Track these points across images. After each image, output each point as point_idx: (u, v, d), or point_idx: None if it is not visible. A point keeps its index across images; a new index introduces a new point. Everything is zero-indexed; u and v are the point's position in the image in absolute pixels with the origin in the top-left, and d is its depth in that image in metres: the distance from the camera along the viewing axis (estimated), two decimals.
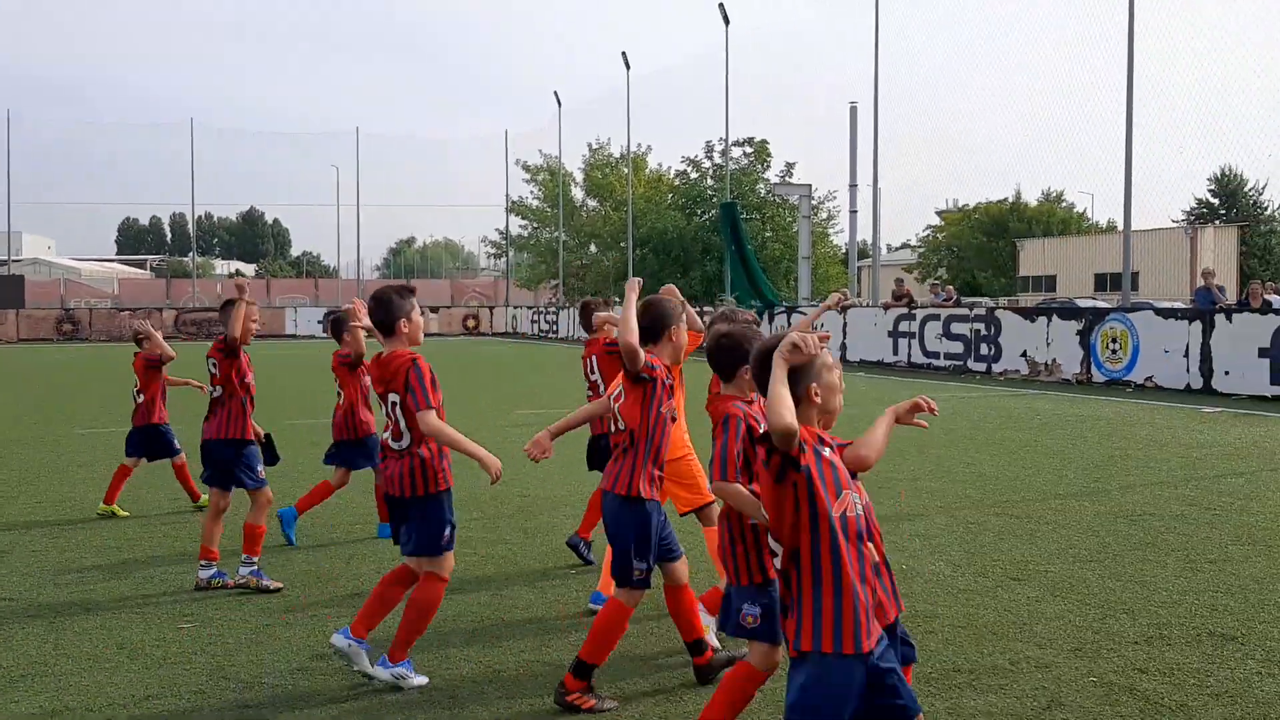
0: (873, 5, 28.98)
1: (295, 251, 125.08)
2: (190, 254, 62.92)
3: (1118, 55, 21.38)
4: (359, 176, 56.93)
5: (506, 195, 55.09)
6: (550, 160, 52.72)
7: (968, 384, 19.65)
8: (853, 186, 32.04)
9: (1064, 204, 69.97)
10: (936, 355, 22.68)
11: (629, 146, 46.63)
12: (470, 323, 51.51)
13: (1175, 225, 52.78)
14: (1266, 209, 61.95)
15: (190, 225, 55.83)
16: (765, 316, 28.43)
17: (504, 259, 60.00)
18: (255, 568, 6.27)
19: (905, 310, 24.04)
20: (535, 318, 47.23)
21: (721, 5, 34.49)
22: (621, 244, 45.61)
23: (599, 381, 6.62)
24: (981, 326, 21.70)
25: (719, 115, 35.62)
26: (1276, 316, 16.55)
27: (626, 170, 47.71)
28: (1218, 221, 54.23)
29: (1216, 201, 62.23)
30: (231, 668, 4.98)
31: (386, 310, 4.80)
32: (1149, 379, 18.04)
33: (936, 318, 23.07)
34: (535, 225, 55.35)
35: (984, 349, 21.43)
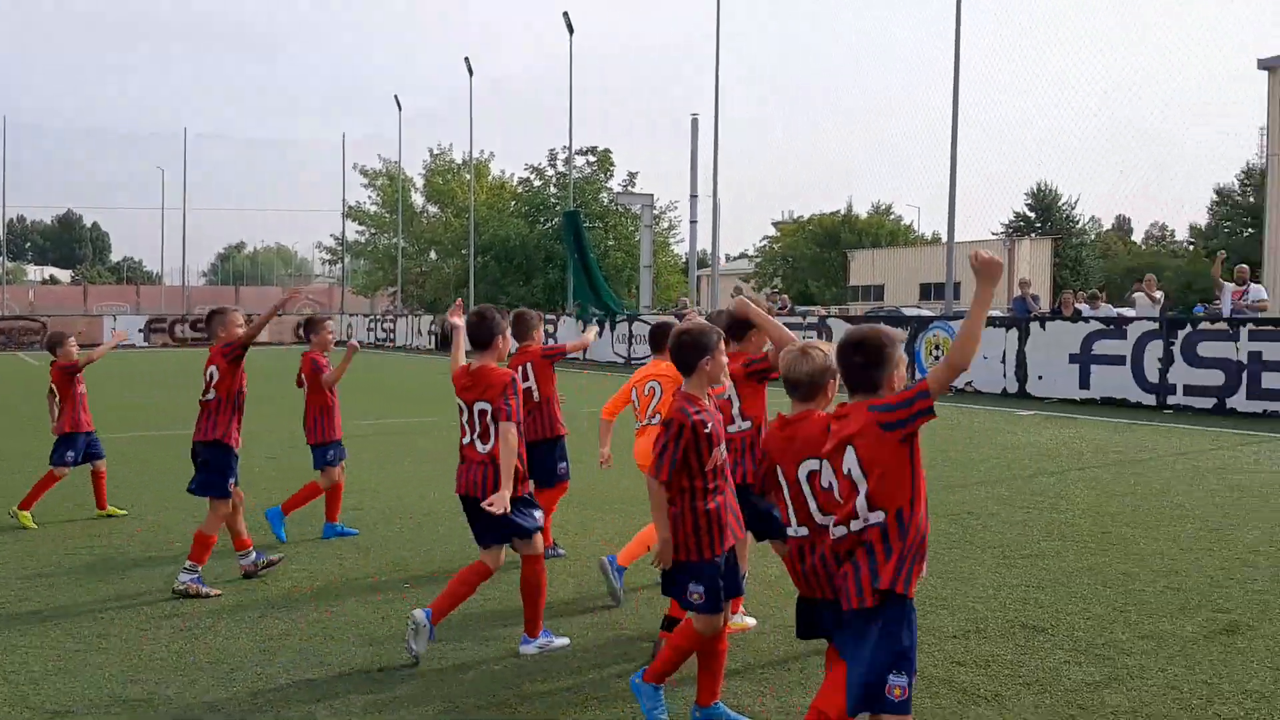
0: (714, 20, 29.52)
1: (115, 257, 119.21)
2: None
3: (945, 75, 22.40)
4: (186, 179, 54.61)
5: (343, 200, 53.77)
6: (390, 165, 51.76)
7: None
8: (693, 197, 32.53)
9: (892, 216, 72.89)
10: None
11: (471, 153, 46.20)
12: (302, 331, 49.94)
13: (995, 237, 55.51)
14: (1078, 223, 65.91)
15: None
16: (609, 325, 28.59)
17: (339, 265, 58.55)
18: (197, 575, 6.28)
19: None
20: (372, 325, 46.23)
21: (566, 15, 34.56)
22: (463, 251, 45.08)
23: (533, 388, 6.89)
24: (814, 335, 22.34)
25: (563, 123, 35.61)
26: (1086, 325, 17.58)
27: (468, 177, 47.23)
28: (1034, 234, 57.29)
29: (1033, 215, 65.79)
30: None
31: (487, 327, 5.28)
32: (969, 384, 18.90)
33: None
34: (373, 231, 54.19)
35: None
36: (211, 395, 6.45)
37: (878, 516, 3.42)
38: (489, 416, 5.11)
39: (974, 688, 4.71)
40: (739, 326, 5.32)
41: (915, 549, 3.43)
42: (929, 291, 46.29)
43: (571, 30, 34.93)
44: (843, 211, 69.31)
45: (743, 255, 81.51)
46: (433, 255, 51.95)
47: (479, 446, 5.14)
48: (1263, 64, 29.88)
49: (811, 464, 3.70)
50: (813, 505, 3.70)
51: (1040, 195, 65.90)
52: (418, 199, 53.56)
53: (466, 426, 5.19)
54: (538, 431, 6.86)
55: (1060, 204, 65.62)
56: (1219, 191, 61.15)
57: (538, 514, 5.28)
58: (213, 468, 6.40)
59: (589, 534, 7.77)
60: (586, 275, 32.25)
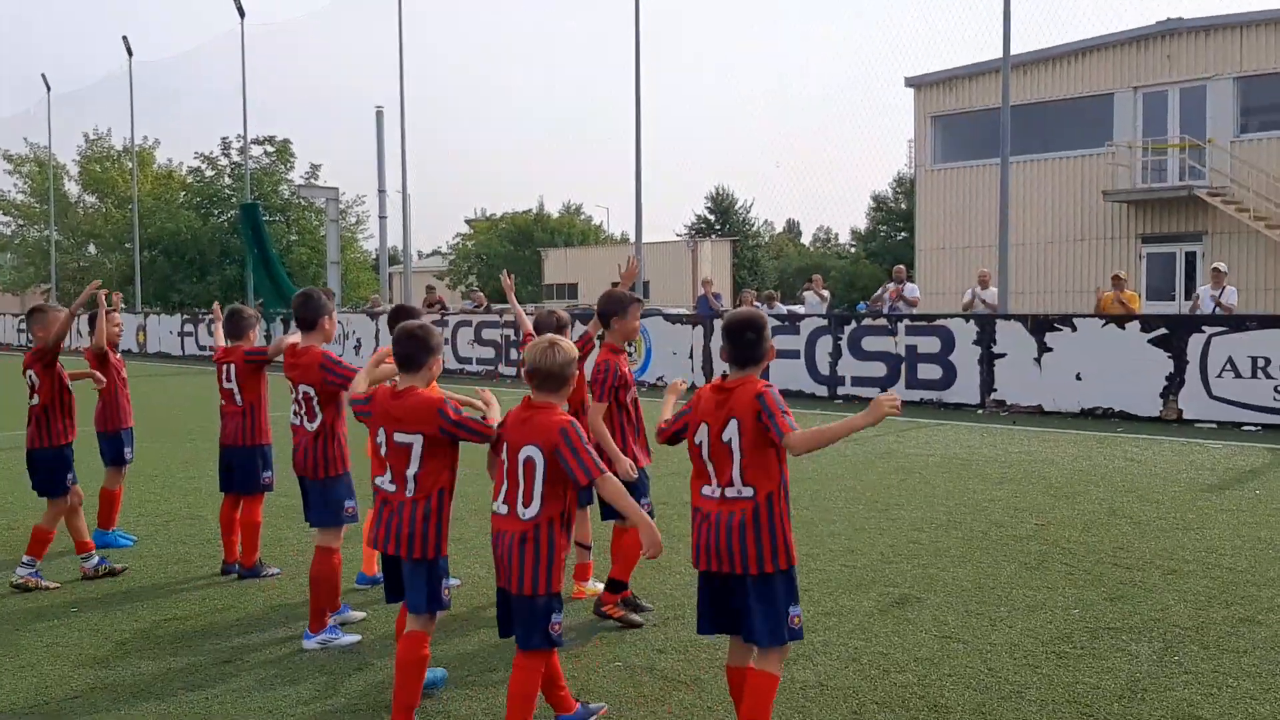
0: (396, 7, 28.90)
1: None
2: None
3: (627, 82, 23.04)
4: None
5: None
6: (38, 150, 47.08)
7: (500, 387, 20.13)
8: (381, 192, 31.73)
9: (583, 216, 74.41)
10: (470, 360, 23.06)
11: (133, 139, 42.72)
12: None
13: (679, 239, 57.85)
14: (753, 226, 69.91)
15: None
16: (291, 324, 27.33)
17: None
18: (35, 569, 6.38)
19: (438, 317, 24.19)
20: (23, 326, 41.89)
21: None
22: (127, 245, 41.76)
23: (234, 390, 6.55)
24: (511, 332, 22.36)
25: (237, 110, 33.67)
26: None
27: (130, 165, 43.73)
28: (714, 236, 60.15)
29: (713, 218, 69.15)
30: None
31: (314, 307, 5.59)
32: (660, 379, 19.57)
33: (469, 324, 23.45)
34: (21, 222, 49.16)
35: (514, 353, 22.10)
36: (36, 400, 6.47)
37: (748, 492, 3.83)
38: (314, 399, 5.42)
39: (674, 673, 4.82)
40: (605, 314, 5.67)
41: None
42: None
43: (243, 13, 33.14)
44: (535, 210, 70.01)
45: (436, 252, 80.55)
46: (92, 249, 47.83)
47: (307, 426, 5.44)
48: (909, 81, 32.80)
49: (529, 451, 3.91)
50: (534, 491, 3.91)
51: (719, 199, 69.41)
52: (72, 188, 49.08)
53: (296, 405, 5.49)
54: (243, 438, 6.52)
55: (737, 208, 69.39)
56: (875, 198, 66.73)
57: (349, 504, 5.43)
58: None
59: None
60: (268, 271, 30.74)
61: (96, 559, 6.62)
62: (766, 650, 3.80)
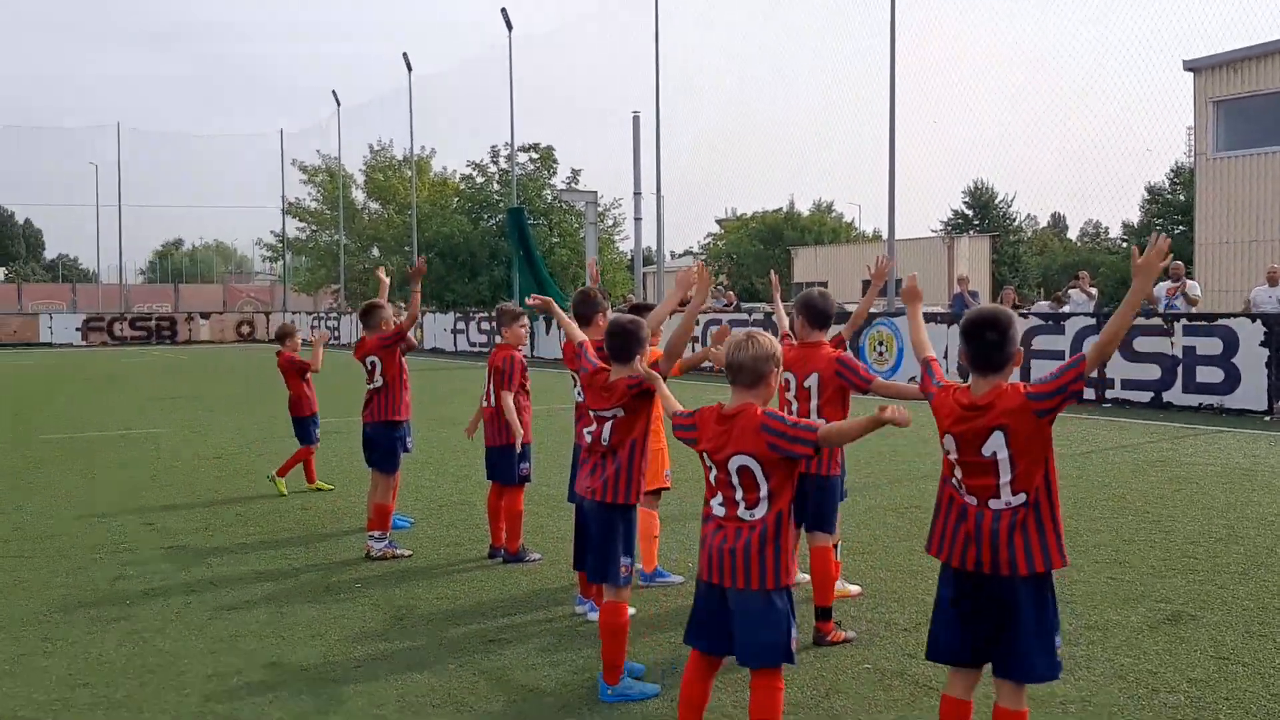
0: (653, 16, 29.55)
1: (50, 254, 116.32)
2: None
3: (882, 74, 22.61)
4: (120, 175, 53.43)
5: (283, 196, 52.98)
6: (329, 161, 51.12)
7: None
8: (637, 194, 32.51)
9: (834, 214, 73.53)
10: None
11: (412, 149, 45.66)
12: (245, 329, 49.25)
13: (934, 235, 56.20)
14: (1014, 220, 66.97)
15: None
16: (553, 324, 28.50)
17: (280, 262, 57.73)
18: (387, 540, 7.16)
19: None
20: (315, 324, 45.65)
21: (504, 10, 34.36)
22: (406, 248, 44.69)
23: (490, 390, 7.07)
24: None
25: (504, 120, 35.45)
26: (1025, 320, 17.86)
27: (410, 173, 46.77)
28: (972, 231, 58.09)
29: (971, 213, 66.72)
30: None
31: (591, 304, 6.03)
32: (913, 379, 19.12)
33: (718, 322, 23.75)
34: (314, 228, 53.53)
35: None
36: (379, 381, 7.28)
37: (1020, 499, 3.57)
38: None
39: (926, 680, 4.76)
40: (822, 315, 5.64)
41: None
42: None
43: (510, 26, 34.75)
44: (785, 209, 69.80)
45: (688, 252, 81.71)
46: (375, 252, 51.45)
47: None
48: (1188, 65, 30.52)
49: (741, 459, 3.76)
50: (738, 494, 3.78)
51: (978, 193, 66.84)
52: (358, 195, 52.98)
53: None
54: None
55: (997, 202, 66.62)
56: (1150, 189, 62.46)
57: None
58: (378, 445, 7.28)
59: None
60: (532, 271, 32.11)
61: (386, 541, 7.14)
62: (1022, 686, 3.56)
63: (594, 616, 5.62)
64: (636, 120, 31.96)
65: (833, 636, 5.26)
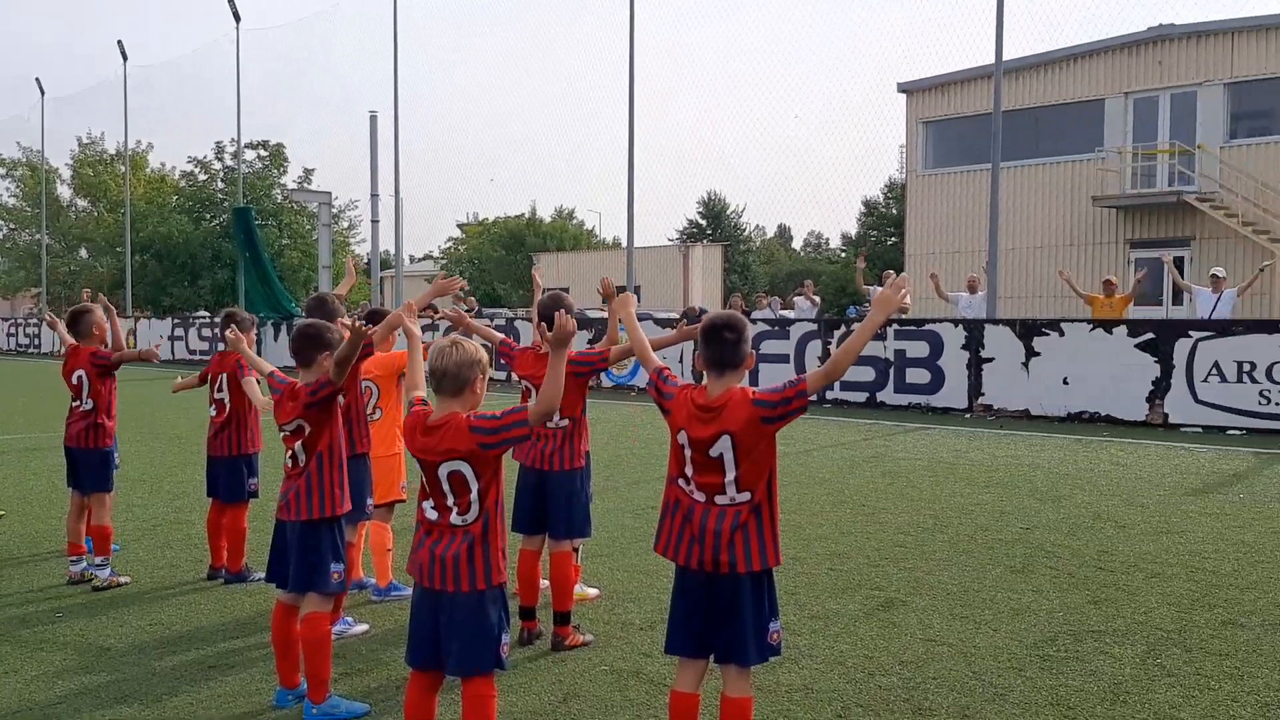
0: (391, 15, 28.91)
1: None
2: None
3: (621, 87, 23.08)
4: None
5: None
6: (31, 154, 46.97)
7: (489, 390, 20.13)
8: (374, 196, 31.72)
9: (575, 221, 74.43)
10: None
11: (126, 143, 42.64)
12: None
13: (671, 243, 57.91)
14: (744, 231, 70.02)
15: None
16: (286, 328, 27.31)
17: None
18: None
19: (429, 321, 24.17)
20: (13, 330, 41.74)
21: (231, 1, 32.68)
22: (118, 249, 41.66)
23: (224, 399, 6.62)
24: (501, 336, 22.38)
25: (230, 115, 33.69)
26: (754, 326, 18.65)
27: (123, 169, 43.66)
28: (705, 241, 60.20)
29: (704, 223, 69.20)
30: None
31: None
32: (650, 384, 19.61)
33: (456, 328, 23.50)
34: (13, 226, 49.03)
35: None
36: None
37: (744, 497, 3.68)
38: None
39: (661, 678, 4.84)
40: (548, 319, 5.41)
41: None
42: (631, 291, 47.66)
43: (238, 18, 33.13)
44: (527, 215, 70.02)
45: (427, 257, 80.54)
46: (83, 253, 47.71)
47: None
48: (902, 87, 32.89)
49: (451, 465, 3.69)
50: (450, 500, 3.71)
51: (711, 204, 69.46)
52: (64, 191, 48.97)
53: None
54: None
55: (729, 212, 69.45)
56: (866, 203, 66.84)
57: None
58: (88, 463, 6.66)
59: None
60: (259, 275, 30.70)
61: (85, 564, 6.60)
62: (744, 671, 3.71)
63: (353, 631, 5.42)
64: (374, 120, 31.17)
65: (571, 641, 5.26)
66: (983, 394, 15.45)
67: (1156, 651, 5.13)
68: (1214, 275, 16.50)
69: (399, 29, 29.06)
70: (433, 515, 3.77)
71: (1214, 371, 13.41)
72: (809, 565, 6.80)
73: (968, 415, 15.34)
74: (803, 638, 5.37)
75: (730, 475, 3.67)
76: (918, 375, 16.17)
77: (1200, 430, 13.28)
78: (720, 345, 3.74)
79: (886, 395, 16.48)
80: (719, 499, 3.70)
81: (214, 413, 6.67)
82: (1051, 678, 4.81)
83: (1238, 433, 13.00)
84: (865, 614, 5.79)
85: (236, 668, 5.05)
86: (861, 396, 16.71)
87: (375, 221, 32.06)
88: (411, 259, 76.87)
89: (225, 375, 6.60)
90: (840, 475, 10.25)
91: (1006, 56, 18.12)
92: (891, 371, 16.43)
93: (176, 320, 32.82)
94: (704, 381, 3.80)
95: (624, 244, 24.74)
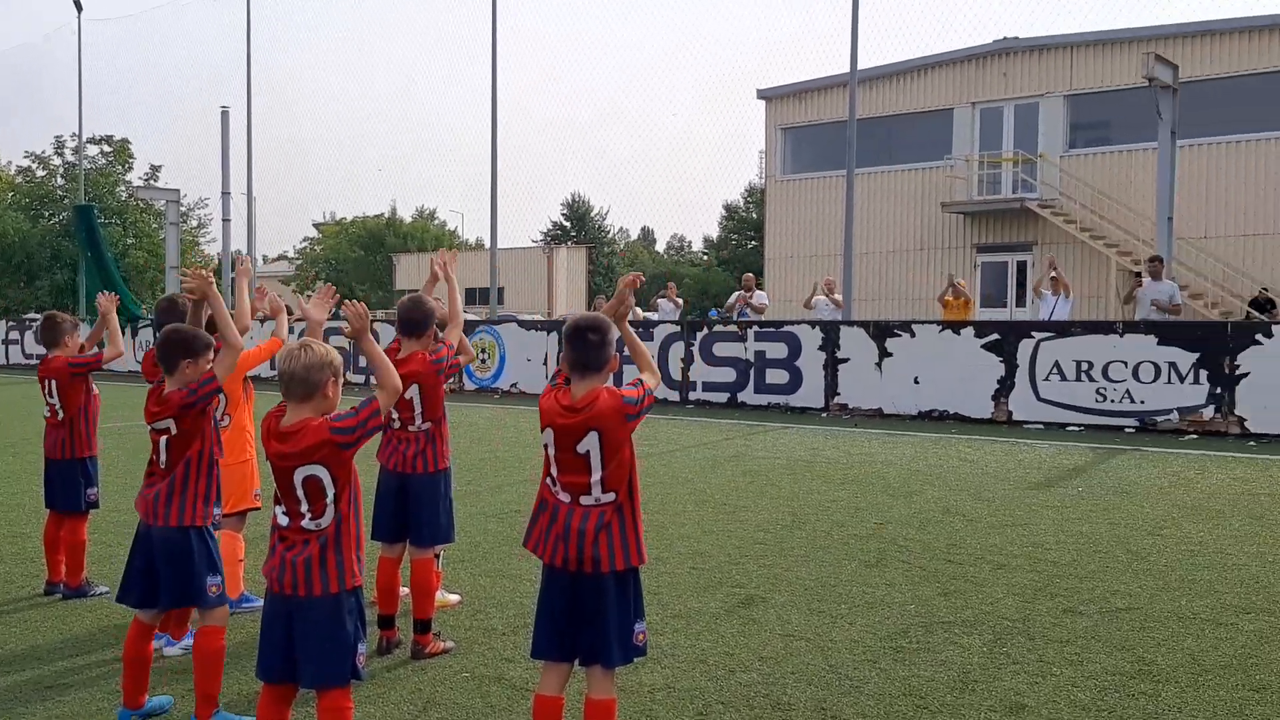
0: (244, 4, 28.03)
1: None
2: None
3: (483, 86, 22.87)
4: None
5: None
6: None
7: (348, 394, 19.68)
8: (225, 194, 30.70)
9: (436, 221, 73.50)
10: None
11: None
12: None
13: (535, 245, 57.75)
14: (609, 233, 70.32)
15: None
16: (130, 330, 26.17)
17: None
18: None
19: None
20: None
21: None
22: None
23: (57, 403, 6.31)
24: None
25: (71, 108, 32.11)
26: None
27: None
28: (570, 242, 60.24)
29: (569, 225, 69.24)
30: None
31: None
32: (514, 385, 19.49)
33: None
34: None
35: (362, 360, 21.67)
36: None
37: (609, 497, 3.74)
38: None
39: (523, 683, 4.80)
40: (415, 323, 5.27)
41: None
42: (474, 296, 47.14)
43: (80, 7, 31.65)
44: (387, 215, 68.79)
45: (282, 257, 78.31)
46: None
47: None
48: (761, 94, 33.52)
49: (307, 470, 3.60)
50: (303, 505, 3.62)
51: (575, 206, 69.56)
52: None
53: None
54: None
55: (593, 215, 69.67)
56: (727, 207, 67.93)
57: None
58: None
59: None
60: (102, 276, 29.37)
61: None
62: (609, 672, 3.72)
63: (170, 651, 5.17)
64: (225, 115, 30.16)
65: (431, 649, 5.17)
66: (839, 394, 15.86)
67: (1002, 640, 5.34)
68: (1053, 277, 17.31)
69: (252, 20, 28.20)
70: (284, 521, 3.67)
71: (1054, 371, 14.06)
72: (671, 565, 6.85)
73: (824, 414, 15.72)
74: (665, 637, 5.41)
75: (596, 475, 3.70)
76: (777, 376, 16.49)
77: (1042, 427, 13.91)
78: (584, 347, 3.76)
79: (747, 395, 16.75)
80: (584, 499, 3.73)
81: (47, 414, 6.40)
82: (904, 668, 4.96)
83: (1076, 429, 13.67)
84: (726, 611, 5.87)
85: (76, 687, 4.81)
86: (723, 397, 16.95)
87: (226, 220, 31.05)
88: (265, 259, 74.62)
89: (53, 380, 6.32)
90: (702, 475, 10.37)
91: (861, 66, 18.62)
92: (752, 372, 16.71)
93: (11, 323, 31.11)
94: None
95: (487, 245, 24.54)
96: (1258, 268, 25.41)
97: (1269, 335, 12.92)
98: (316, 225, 73.23)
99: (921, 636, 5.41)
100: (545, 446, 3.80)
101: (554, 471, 3.79)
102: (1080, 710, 4.46)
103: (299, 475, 3.60)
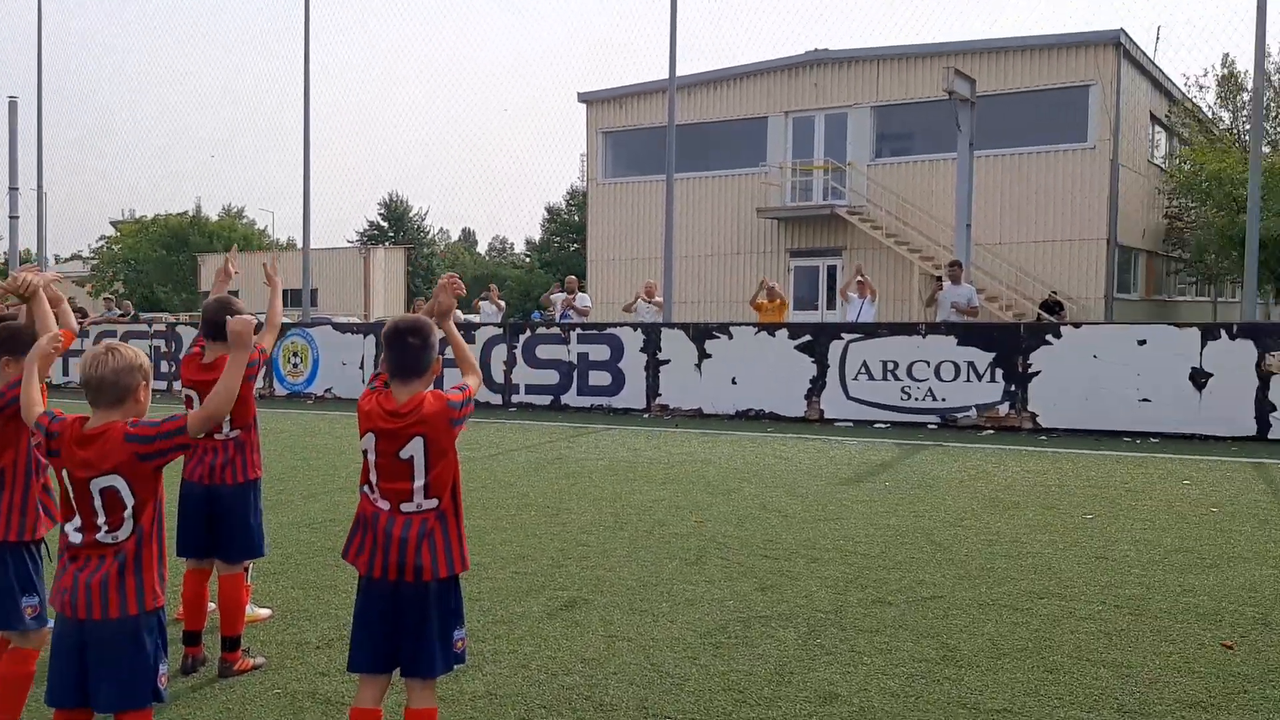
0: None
1: None
2: None
3: (296, 81, 22.15)
4: None
5: None
6: None
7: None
8: (13, 189, 28.78)
9: (245, 220, 70.78)
10: None
11: None
12: None
13: (351, 245, 56.31)
14: (428, 234, 69.24)
15: None
16: None
17: None
18: None
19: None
20: None
21: None
22: None
23: None
24: (162, 343, 20.89)
25: None
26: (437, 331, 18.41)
27: None
28: (388, 243, 59.03)
29: (386, 225, 67.83)
30: None
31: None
32: (329, 390, 18.92)
33: (112, 334, 21.66)
34: None
35: (163, 366, 20.64)
36: None
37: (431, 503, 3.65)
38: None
39: (339, 697, 4.65)
40: (222, 326, 4.81)
41: None
42: (286, 298, 45.72)
43: None
44: (191, 213, 65.78)
45: (75, 256, 73.86)
46: None
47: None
48: (582, 97, 33.68)
49: (106, 480, 3.37)
50: (100, 518, 3.38)
51: (393, 206, 68.21)
52: None
53: None
54: None
55: (412, 215, 68.48)
56: (549, 209, 67.92)
57: None
58: None
59: None
60: None
61: None
62: (429, 681, 3.66)
63: None
64: (13, 106, 28.27)
65: (240, 666, 4.95)
66: (660, 395, 16.06)
67: (816, 632, 5.50)
68: (859, 281, 18.03)
69: (43, 5, 26.47)
70: (77, 538, 3.41)
71: (863, 370, 14.63)
72: (493, 570, 6.78)
73: (646, 415, 15.90)
74: (487, 643, 5.33)
75: (419, 481, 3.62)
76: (599, 378, 16.57)
77: (852, 424, 14.44)
78: (405, 351, 3.67)
79: (570, 398, 16.77)
80: (405, 506, 3.64)
81: None
82: (723, 663, 5.04)
83: (884, 426, 14.25)
84: (549, 615, 5.83)
85: None
86: (546, 399, 16.92)
87: (14, 218, 29.11)
88: (57, 259, 70.31)
89: None
90: (525, 478, 10.31)
91: (679, 73, 18.92)
92: (575, 374, 16.74)
93: None
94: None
95: (299, 245, 23.76)
96: (1047, 272, 27.13)
97: (1058, 336, 13.79)
98: (115, 224, 69.42)
99: (740, 631, 5.52)
100: (365, 453, 3.69)
101: (373, 478, 3.69)
102: (890, 697, 4.63)
103: (96, 485, 3.37)
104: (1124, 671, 4.88)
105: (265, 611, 5.83)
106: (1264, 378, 12.48)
